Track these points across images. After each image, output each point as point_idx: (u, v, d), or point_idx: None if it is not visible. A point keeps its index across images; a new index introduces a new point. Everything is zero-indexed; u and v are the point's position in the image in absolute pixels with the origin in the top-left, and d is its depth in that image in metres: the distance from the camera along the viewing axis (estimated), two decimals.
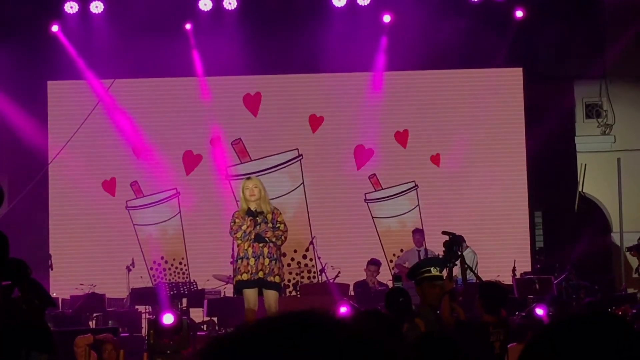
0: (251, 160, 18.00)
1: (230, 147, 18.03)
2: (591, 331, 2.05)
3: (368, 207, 18.03)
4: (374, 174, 18.05)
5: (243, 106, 18.14)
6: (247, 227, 10.63)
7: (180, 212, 18.02)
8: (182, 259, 17.94)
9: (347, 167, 18.01)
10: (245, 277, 10.64)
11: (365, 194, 18.03)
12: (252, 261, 10.63)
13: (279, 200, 16.77)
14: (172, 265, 17.93)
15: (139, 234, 17.92)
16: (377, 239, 17.89)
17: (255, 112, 18.17)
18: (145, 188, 17.98)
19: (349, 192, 17.91)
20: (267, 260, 10.66)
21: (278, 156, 18.02)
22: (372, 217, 18.01)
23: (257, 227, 10.69)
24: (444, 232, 9.84)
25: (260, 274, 10.64)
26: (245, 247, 10.68)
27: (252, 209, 10.74)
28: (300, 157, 18.07)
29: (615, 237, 18.25)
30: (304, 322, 1.59)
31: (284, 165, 17.99)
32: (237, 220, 10.72)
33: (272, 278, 10.66)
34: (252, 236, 10.66)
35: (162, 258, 17.95)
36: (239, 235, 10.67)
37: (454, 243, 9.29)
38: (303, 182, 18.04)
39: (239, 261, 10.73)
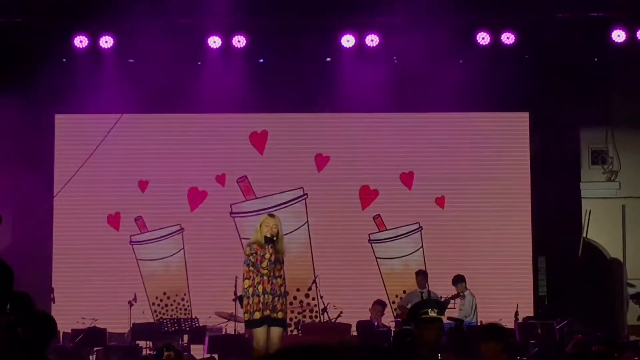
0: (256, 198, 18.02)
1: (236, 184, 18.04)
2: None
3: (372, 247, 18.01)
4: (379, 215, 18.04)
5: (249, 144, 18.18)
6: (271, 254, 10.47)
7: (184, 248, 18.02)
8: (185, 295, 17.90)
9: (352, 207, 18.01)
10: (257, 315, 10.47)
11: (369, 234, 18.02)
12: (263, 298, 10.45)
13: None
14: (174, 301, 17.90)
15: (142, 269, 17.91)
16: (380, 280, 17.86)
17: (261, 150, 18.21)
18: (150, 223, 18.00)
19: (354, 232, 17.88)
20: (277, 299, 10.55)
21: (283, 195, 18.03)
22: (376, 258, 17.98)
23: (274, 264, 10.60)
24: None
25: (274, 313, 10.51)
26: (255, 284, 10.50)
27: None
28: (305, 196, 18.07)
29: (618, 284, 18.18)
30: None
31: (289, 204, 17.99)
32: (258, 251, 10.48)
33: (280, 315, 10.56)
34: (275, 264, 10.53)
35: (165, 294, 17.93)
36: (264, 264, 10.42)
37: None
38: (307, 222, 18.03)
39: (250, 299, 10.53)
